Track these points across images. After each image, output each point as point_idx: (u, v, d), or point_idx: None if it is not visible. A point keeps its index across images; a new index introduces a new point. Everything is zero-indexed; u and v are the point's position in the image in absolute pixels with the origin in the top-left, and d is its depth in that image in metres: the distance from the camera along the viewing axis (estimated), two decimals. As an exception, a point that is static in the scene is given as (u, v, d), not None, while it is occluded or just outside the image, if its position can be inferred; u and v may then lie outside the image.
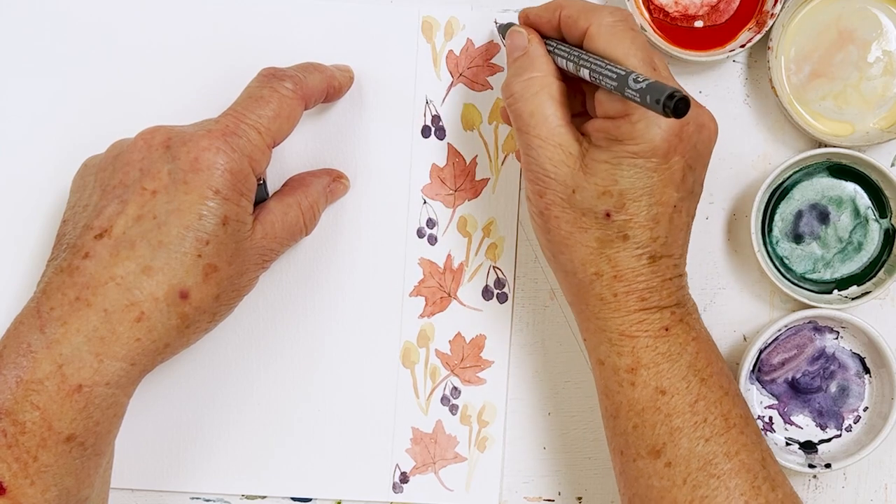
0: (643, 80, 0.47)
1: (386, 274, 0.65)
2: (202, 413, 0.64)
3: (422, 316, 0.66)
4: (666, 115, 0.45)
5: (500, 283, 0.66)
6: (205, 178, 0.53)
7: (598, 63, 0.51)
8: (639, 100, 0.47)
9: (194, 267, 0.52)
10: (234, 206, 0.54)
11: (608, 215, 0.53)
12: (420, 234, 0.65)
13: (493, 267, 0.66)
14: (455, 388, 0.66)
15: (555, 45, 0.55)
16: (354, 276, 0.65)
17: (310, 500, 0.66)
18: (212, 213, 0.53)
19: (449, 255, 0.66)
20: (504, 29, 0.60)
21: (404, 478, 0.66)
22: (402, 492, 0.66)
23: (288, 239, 0.59)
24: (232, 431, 0.65)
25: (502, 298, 0.66)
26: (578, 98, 0.58)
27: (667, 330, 0.53)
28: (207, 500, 0.66)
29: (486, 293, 0.66)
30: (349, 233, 0.65)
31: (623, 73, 0.49)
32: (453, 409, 0.66)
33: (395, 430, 0.66)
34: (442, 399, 0.66)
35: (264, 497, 0.65)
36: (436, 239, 0.66)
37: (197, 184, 0.53)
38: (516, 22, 0.59)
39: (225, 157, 0.53)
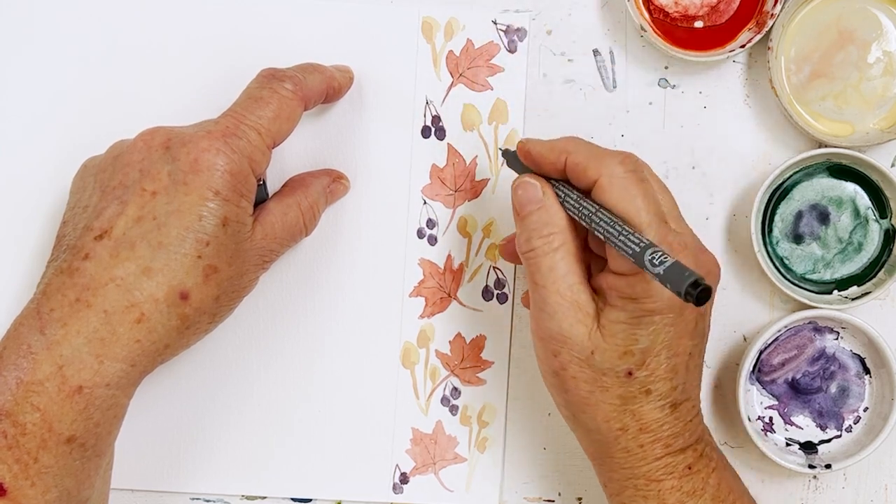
0: (661, 261, 0.46)
1: (386, 274, 0.65)
2: (202, 413, 0.64)
3: (422, 316, 0.66)
4: (686, 301, 0.45)
5: (500, 283, 0.66)
6: (205, 179, 0.53)
7: (613, 229, 0.50)
8: (660, 274, 0.47)
9: (194, 268, 0.52)
10: (234, 207, 0.54)
11: (630, 374, 0.52)
12: (420, 234, 0.65)
13: (493, 267, 0.66)
14: (455, 389, 0.66)
15: (563, 194, 0.55)
16: (354, 277, 0.65)
17: (310, 500, 0.66)
18: (212, 214, 0.53)
19: (449, 256, 0.65)
20: (509, 156, 0.59)
21: (404, 478, 0.65)
22: (402, 492, 0.65)
23: (288, 239, 0.59)
24: (232, 432, 0.64)
25: (502, 299, 0.66)
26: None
27: (690, 468, 0.54)
28: (207, 501, 0.66)
29: (486, 293, 0.66)
30: (349, 233, 0.65)
31: (639, 247, 0.48)
32: (453, 409, 0.66)
33: (395, 431, 0.65)
34: (442, 399, 0.66)
35: (264, 497, 0.65)
36: (436, 239, 0.65)
37: (197, 185, 0.53)
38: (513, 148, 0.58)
39: (225, 158, 0.53)
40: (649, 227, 0.51)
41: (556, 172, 0.55)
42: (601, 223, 0.51)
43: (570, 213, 0.54)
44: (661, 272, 0.46)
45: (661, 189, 0.54)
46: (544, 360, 0.54)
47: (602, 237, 0.51)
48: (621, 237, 0.50)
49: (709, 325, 0.55)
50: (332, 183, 0.63)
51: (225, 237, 0.53)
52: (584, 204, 0.52)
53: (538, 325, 0.53)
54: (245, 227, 0.55)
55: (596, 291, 0.53)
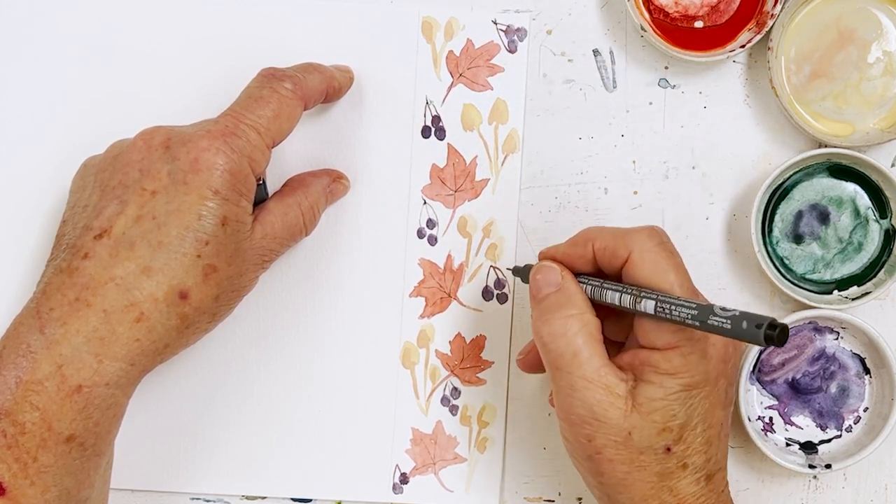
0: (728, 315, 0.47)
1: (386, 274, 0.65)
2: (202, 413, 0.64)
3: (422, 316, 0.65)
4: (766, 343, 0.45)
5: (500, 283, 0.65)
6: (204, 179, 0.53)
7: (665, 302, 0.50)
8: (728, 328, 0.47)
9: (194, 267, 0.52)
10: (234, 206, 0.54)
11: (668, 450, 0.52)
12: (420, 234, 0.65)
13: (493, 267, 0.65)
14: (455, 389, 0.66)
15: (591, 285, 0.54)
16: (354, 277, 0.65)
17: (310, 500, 0.65)
18: (211, 214, 0.53)
19: (449, 256, 0.65)
20: (521, 272, 0.59)
21: (404, 478, 0.65)
22: (401, 492, 0.65)
23: (288, 239, 0.58)
24: (232, 431, 0.64)
25: (502, 299, 0.65)
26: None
27: None
28: (207, 501, 0.65)
29: (486, 293, 0.65)
30: (349, 233, 0.64)
31: (697, 309, 0.48)
32: (453, 409, 0.65)
33: (394, 431, 0.65)
34: (442, 399, 0.65)
35: (264, 497, 0.65)
36: (436, 239, 0.65)
37: (196, 184, 0.53)
38: (531, 263, 0.58)
39: (224, 158, 0.53)
40: (684, 296, 0.51)
41: (586, 265, 0.54)
42: (650, 295, 0.51)
43: (610, 301, 0.53)
44: (730, 326, 0.46)
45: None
46: (576, 446, 0.53)
47: (654, 308, 0.50)
48: (674, 307, 0.49)
49: (735, 393, 0.55)
50: (332, 183, 0.62)
51: (224, 236, 0.53)
52: (624, 286, 0.52)
53: (568, 412, 0.52)
54: (245, 226, 0.55)
55: (623, 370, 0.52)
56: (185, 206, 0.52)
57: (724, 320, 0.46)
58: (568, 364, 0.51)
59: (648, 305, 0.50)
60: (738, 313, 0.46)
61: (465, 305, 0.66)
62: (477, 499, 0.65)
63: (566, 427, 0.53)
